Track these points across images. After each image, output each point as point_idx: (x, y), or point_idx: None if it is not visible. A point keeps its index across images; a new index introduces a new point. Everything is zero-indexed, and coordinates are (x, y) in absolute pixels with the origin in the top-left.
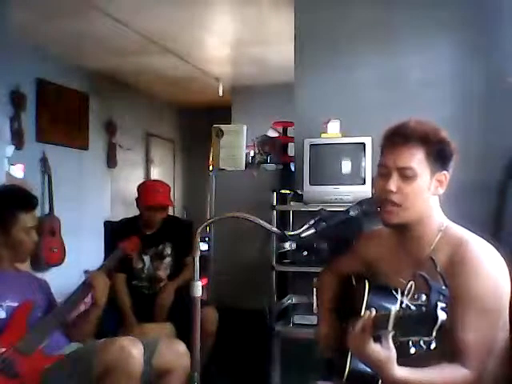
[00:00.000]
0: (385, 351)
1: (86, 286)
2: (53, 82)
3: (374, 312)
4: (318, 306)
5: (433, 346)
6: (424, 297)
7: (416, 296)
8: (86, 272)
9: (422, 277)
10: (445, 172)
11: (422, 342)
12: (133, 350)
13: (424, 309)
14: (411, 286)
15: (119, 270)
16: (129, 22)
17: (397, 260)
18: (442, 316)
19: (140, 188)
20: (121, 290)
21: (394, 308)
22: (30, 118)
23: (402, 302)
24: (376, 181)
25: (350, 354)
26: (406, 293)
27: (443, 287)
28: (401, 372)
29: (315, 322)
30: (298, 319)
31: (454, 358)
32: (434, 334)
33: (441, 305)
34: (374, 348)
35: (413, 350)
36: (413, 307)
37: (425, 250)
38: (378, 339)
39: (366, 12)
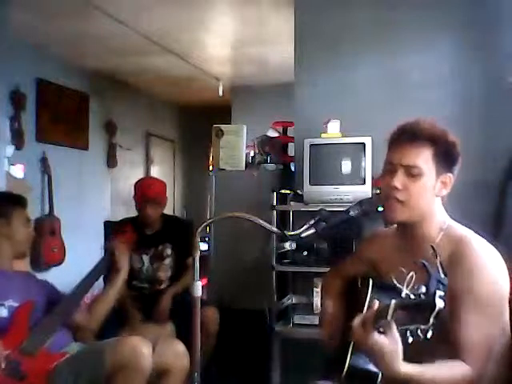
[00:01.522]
0: (390, 344)
1: (105, 259)
2: (53, 82)
3: (377, 304)
4: (321, 298)
5: (429, 334)
6: (424, 288)
7: (416, 287)
8: (104, 246)
9: (422, 264)
10: (450, 174)
11: (419, 331)
12: (144, 349)
13: (422, 297)
14: (412, 276)
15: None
16: (129, 22)
17: (399, 259)
18: (439, 304)
19: (135, 185)
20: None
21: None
22: (30, 117)
23: (401, 292)
24: (381, 178)
25: (349, 351)
26: (406, 283)
27: (442, 276)
28: (405, 367)
29: (315, 322)
30: (298, 319)
31: (455, 356)
32: (432, 321)
33: (439, 293)
34: (378, 339)
35: (410, 340)
36: (412, 297)
37: (427, 249)
38: (382, 332)
39: (366, 12)
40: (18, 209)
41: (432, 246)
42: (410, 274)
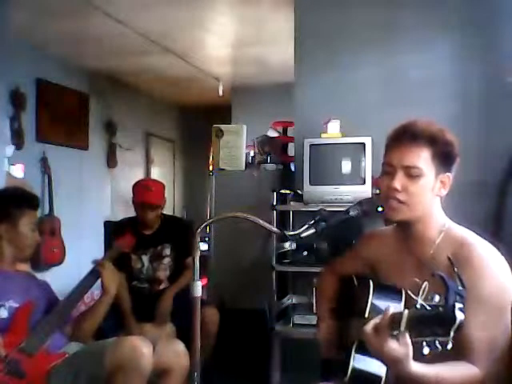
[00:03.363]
0: (402, 348)
1: (94, 274)
2: (53, 82)
3: (391, 310)
4: (317, 306)
5: (449, 346)
6: (437, 297)
7: (429, 297)
8: (94, 261)
9: (439, 277)
10: (448, 174)
11: (437, 343)
12: (144, 349)
13: (441, 309)
14: (426, 286)
15: (118, 269)
16: (129, 22)
17: (399, 260)
18: (460, 316)
19: (134, 187)
20: (121, 289)
21: (403, 307)
22: (29, 117)
23: (415, 302)
24: (380, 179)
25: (352, 353)
26: (420, 293)
27: (460, 287)
28: (416, 367)
29: (315, 322)
30: (298, 319)
31: (462, 357)
32: (452, 334)
33: (458, 305)
34: (392, 346)
35: (426, 351)
36: (428, 307)
37: (427, 250)
38: (394, 336)
39: (365, 12)
40: (27, 211)
41: (449, 258)
42: (425, 283)
